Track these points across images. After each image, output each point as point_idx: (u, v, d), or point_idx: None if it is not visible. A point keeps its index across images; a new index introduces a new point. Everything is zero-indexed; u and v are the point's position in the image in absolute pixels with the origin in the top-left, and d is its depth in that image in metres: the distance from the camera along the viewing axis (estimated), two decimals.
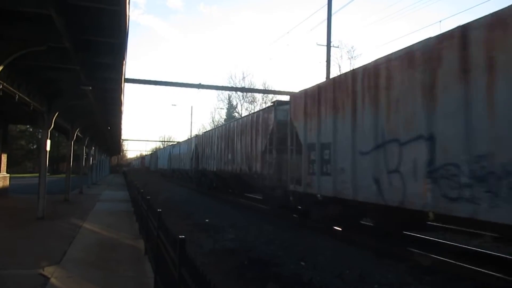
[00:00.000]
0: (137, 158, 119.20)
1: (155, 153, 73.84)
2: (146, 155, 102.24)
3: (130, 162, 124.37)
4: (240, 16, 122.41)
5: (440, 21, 59.38)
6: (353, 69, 9.66)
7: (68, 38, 7.28)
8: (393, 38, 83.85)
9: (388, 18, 66.53)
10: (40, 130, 14.35)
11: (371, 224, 10.01)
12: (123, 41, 7.69)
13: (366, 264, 7.82)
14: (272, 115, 14.72)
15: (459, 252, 8.25)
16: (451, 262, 7.55)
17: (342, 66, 42.08)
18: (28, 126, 58.21)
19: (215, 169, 23.05)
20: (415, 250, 8.50)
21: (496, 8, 5.92)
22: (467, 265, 7.32)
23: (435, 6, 71.88)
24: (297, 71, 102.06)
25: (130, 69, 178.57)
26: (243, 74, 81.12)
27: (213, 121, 66.24)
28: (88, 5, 6.35)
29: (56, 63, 9.40)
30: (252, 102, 59.66)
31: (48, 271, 6.50)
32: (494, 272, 6.84)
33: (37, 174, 14.15)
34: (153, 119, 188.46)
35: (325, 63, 20.21)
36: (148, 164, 79.69)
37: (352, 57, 41.87)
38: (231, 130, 20.44)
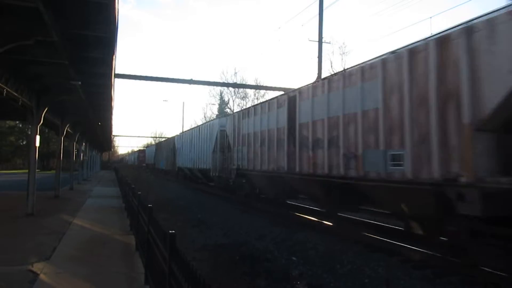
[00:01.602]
0: (132, 153, 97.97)
1: (168, 143, 43.34)
2: (148, 146, 77.69)
3: (122, 158, 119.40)
4: (231, 11, 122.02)
5: (431, 17, 59.60)
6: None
7: (56, 32, 7.17)
8: (384, 34, 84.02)
9: (379, 13, 66.73)
10: (30, 126, 14.18)
11: None
12: (113, 35, 7.61)
13: (357, 258, 7.86)
14: None
15: (449, 245, 8.30)
16: (441, 257, 7.61)
17: (333, 62, 42.22)
18: (17, 122, 57.70)
19: None
20: None
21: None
22: (455, 259, 7.38)
23: (428, 1, 72.23)
24: (288, 66, 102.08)
25: (121, 64, 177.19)
26: (234, 69, 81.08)
27: (204, 117, 66.02)
28: None
29: (44, 58, 9.26)
30: (244, 98, 59.66)
31: (37, 267, 6.44)
32: (483, 267, 6.90)
33: (27, 170, 14.00)
34: (144, 115, 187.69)
35: (316, 59, 20.24)
36: (153, 161, 55.27)
37: (343, 53, 42.02)
38: None
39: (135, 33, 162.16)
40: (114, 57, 9.18)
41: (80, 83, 10.97)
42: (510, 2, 6.55)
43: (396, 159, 7.84)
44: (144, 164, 63.23)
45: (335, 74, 11.14)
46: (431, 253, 7.81)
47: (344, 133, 9.53)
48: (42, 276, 6.01)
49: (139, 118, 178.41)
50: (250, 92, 58.36)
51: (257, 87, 53.11)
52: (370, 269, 7.21)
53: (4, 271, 6.27)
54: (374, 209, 12.22)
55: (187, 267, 2.96)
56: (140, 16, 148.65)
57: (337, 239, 9.64)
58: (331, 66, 40.29)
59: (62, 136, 18.99)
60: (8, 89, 10.34)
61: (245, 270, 7.07)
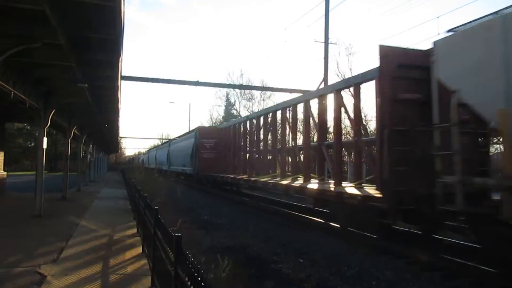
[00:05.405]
0: (152, 148, 71.11)
1: None
2: (221, 125, 37.98)
3: (132, 158, 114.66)
4: (236, 12, 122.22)
5: (438, 17, 59.21)
6: None
7: (63, 35, 7.20)
8: (391, 34, 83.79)
9: (386, 13, 66.50)
10: (37, 128, 14.30)
11: None
12: (119, 37, 7.62)
13: (364, 260, 7.81)
14: None
15: (457, 248, 8.22)
16: (449, 259, 7.53)
17: (340, 62, 42.07)
18: (25, 124, 58.12)
19: None
20: None
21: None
22: (464, 261, 7.30)
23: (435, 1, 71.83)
24: (295, 67, 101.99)
25: (127, 66, 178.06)
26: (241, 71, 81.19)
27: (211, 118, 65.93)
28: (83, 0, 6.28)
29: (51, 60, 9.31)
30: (250, 99, 59.74)
31: (44, 269, 6.47)
32: (491, 269, 6.82)
33: (35, 172, 14.09)
34: (151, 117, 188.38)
35: (323, 60, 20.22)
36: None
37: (350, 54, 41.84)
38: None
39: (140, 35, 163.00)
40: (120, 59, 9.20)
41: (86, 85, 11.01)
42: None
43: None
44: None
45: None
46: (440, 255, 7.73)
47: None
48: (49, 278, 6.03)
49: (146, 120, 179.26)
50: (257, 93, 58.50)
51: (263, 89, 53.10)
52: (377, 271, 7.16)
53: (12, 273, 6.30)
54: None
55: (193, 270, 2.95)
56: (144, 18, 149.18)
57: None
58: (337, 67, 40.28)
59: (69, 138, 19.09)
60: (16, 92, 10.40)
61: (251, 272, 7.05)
